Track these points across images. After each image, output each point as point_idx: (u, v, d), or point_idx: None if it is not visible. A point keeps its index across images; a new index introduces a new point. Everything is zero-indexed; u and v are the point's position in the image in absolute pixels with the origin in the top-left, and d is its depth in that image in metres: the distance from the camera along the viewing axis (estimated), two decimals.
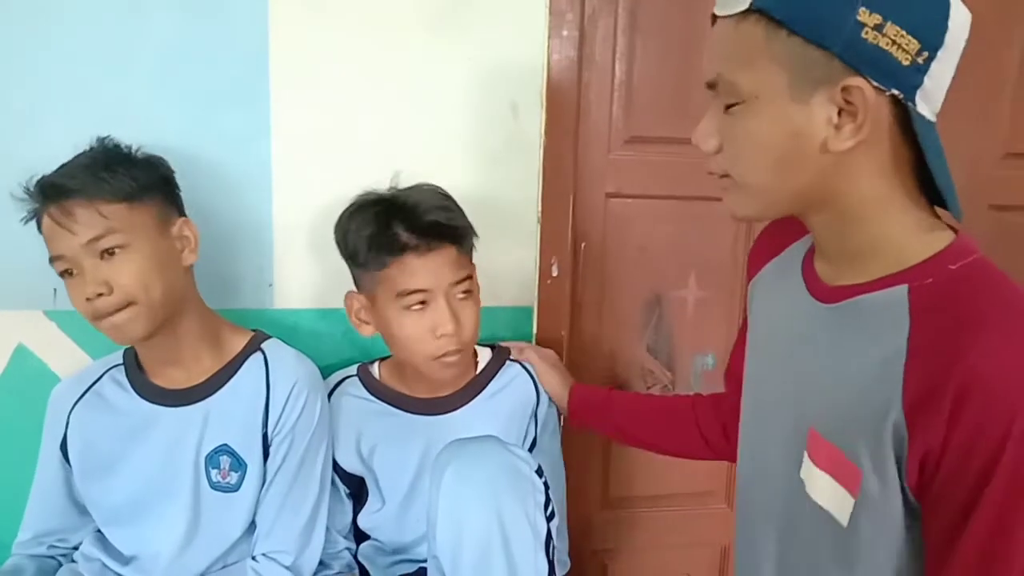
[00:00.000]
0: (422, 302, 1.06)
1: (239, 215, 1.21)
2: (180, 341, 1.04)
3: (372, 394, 1.17)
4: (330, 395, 1.17)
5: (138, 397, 1.06)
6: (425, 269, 1.05)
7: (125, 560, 1.08)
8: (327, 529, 1.15)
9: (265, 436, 1.06)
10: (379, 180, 1.14)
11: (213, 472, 1.05)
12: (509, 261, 1.33)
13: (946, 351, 0.60)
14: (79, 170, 0.98)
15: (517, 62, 1.25)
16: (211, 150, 1.18)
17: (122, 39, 1.13)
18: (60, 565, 1.11)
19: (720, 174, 0.72)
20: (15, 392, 1.17)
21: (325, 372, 1.21)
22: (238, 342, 1.10)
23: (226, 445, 1.05)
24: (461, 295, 1.09)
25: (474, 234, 1.13)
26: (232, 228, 1.21)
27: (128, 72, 1.14)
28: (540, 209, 1.32)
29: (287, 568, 1.07)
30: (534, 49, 1.26)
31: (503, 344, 1.27)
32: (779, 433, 0.77)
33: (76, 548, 1.12)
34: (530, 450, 1.17)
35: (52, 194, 0.96)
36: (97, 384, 1.09)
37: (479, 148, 1.27)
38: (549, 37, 1.26)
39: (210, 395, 1.06)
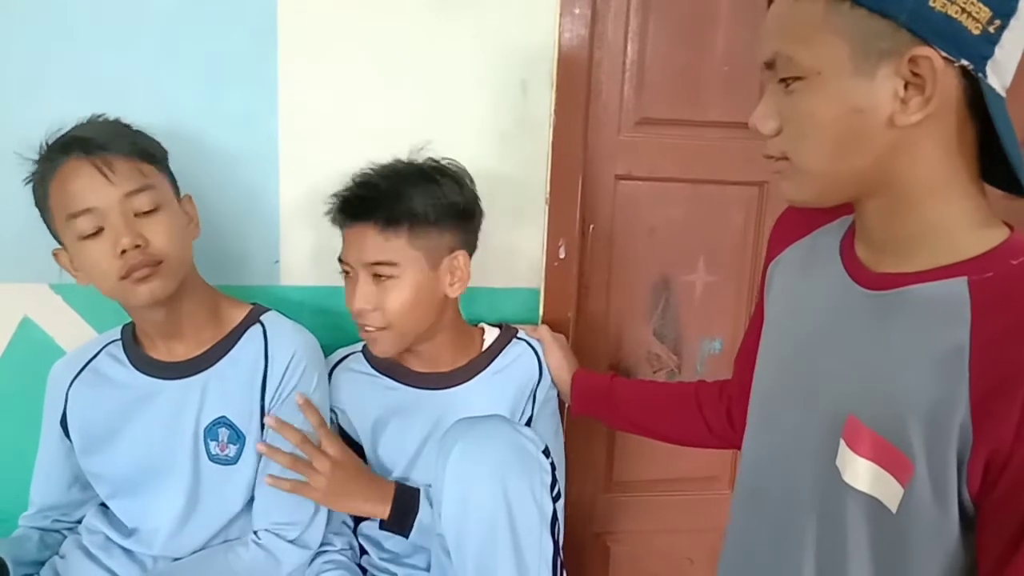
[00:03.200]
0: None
1: (246, 192, 1.21)
2: (182, 315, 1.03)
3: (375, 368, 1.17)
4: (333, 369, 1.17)
5: (136, 371, 1.06)
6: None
7: (128, 533, 1.09)
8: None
9: (263, 409, 1.06)
10: (386, 158, 1.13)
11: (212, 445, 1.05)
12: (516, 242, 1.32)
13: (1014, 350, 0.59)
14: (104, 129, 0.97)
15: (527, 39, 1.24)
16: (218, 127, 1.17)
17: (128, 13, 1.11)
18: (65, 538, 1.12)
19: (778, 156, 0.70)
20: (20, 365, 1.17)
21: (331, 349, 1.20)
22: (237, 315, 1.09)
23: (224, 417, 1.05)
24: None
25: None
26: (239, 205, 1.21)
27: (134, 47, 1.13)
28: (548, 190, 1.30)
29: (291, 542, 1.07)
30: (545, 26, 1.24)
31: (511, 324, 1.26)
32: (807, 418, 0.75)
33: (79, 522, 1.13)
34: None
35: (88, 146, 0.93)
36: (94, 360, 1.08)
37: (487, 127, 1.26)
38: (560, 15, 1.24)
39: (208, 367, 1.05)
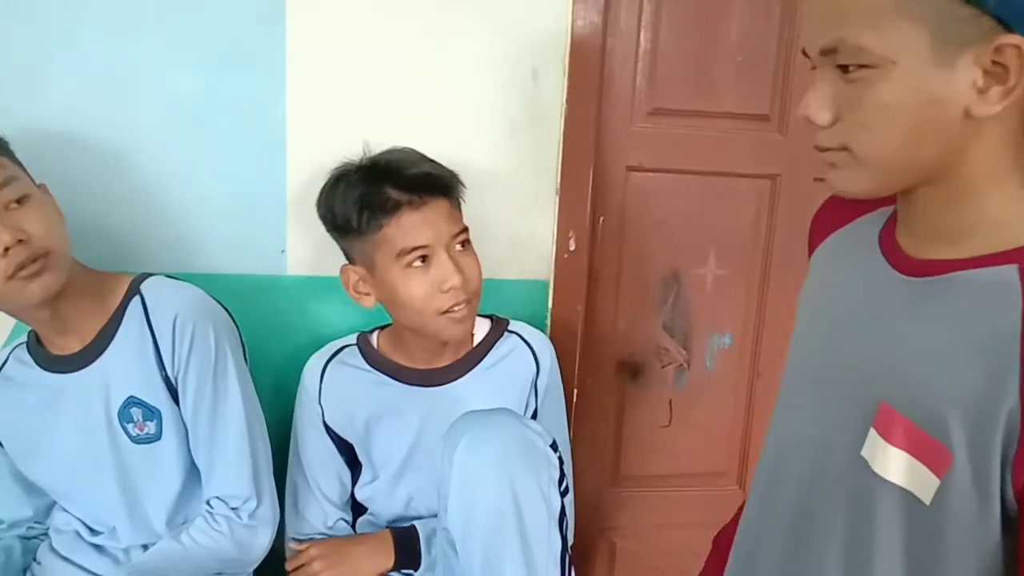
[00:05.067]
0: (423, 258, 1.04)
1: (252, 180, 1.19)
2: (67, 305, 0.99)
3: (370, 364, 1.15)
4: (328, 363, 1.16)
5: (41, 370, 1.04)
6: (423, 224, 1.03)
7: (93, 530, 1.08)
8: (324, 500, 1.15)
9: (167, 379, 1.03)
10: (395, 145, 1.12)
11: (129, 427, 1.03)
12: (526, 234, 1.30)
13: None
14: None
15: (539, 26, 1.22)
16: (224, 112, 1.16)
17: None
18: (41, 543, 1.12)
19: (836, 148, 0.67)
20: None
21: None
22: (119, 292, 1.05)
23: (133, 397, 1.02)
24: (460, 246, 1.07)
25: (462, 184, 1.10)
26: (245, 193, 1.19)
27: (139, 31, 1.11)
28: (559, 181, 1.28)
29: (234, 510, 1.05)
30: (557, 13, 1.22)
31: (500, 317, 1.24)
32: (837, 405, 0.73)
33: None
34: None
35: None
36: (5, 367, 1.06)
37: (498, 115, 1.24)
38: (573, 1, 1.22)
39: (102, 352, 1.02)
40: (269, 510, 1.07)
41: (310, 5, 1.15)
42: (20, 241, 0.89)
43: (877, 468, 0.67)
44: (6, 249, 0.89)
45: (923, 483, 0.64)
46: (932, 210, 0.68)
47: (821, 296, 0.82)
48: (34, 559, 1.09)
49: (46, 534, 1.12)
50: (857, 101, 0.64)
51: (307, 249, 1.23)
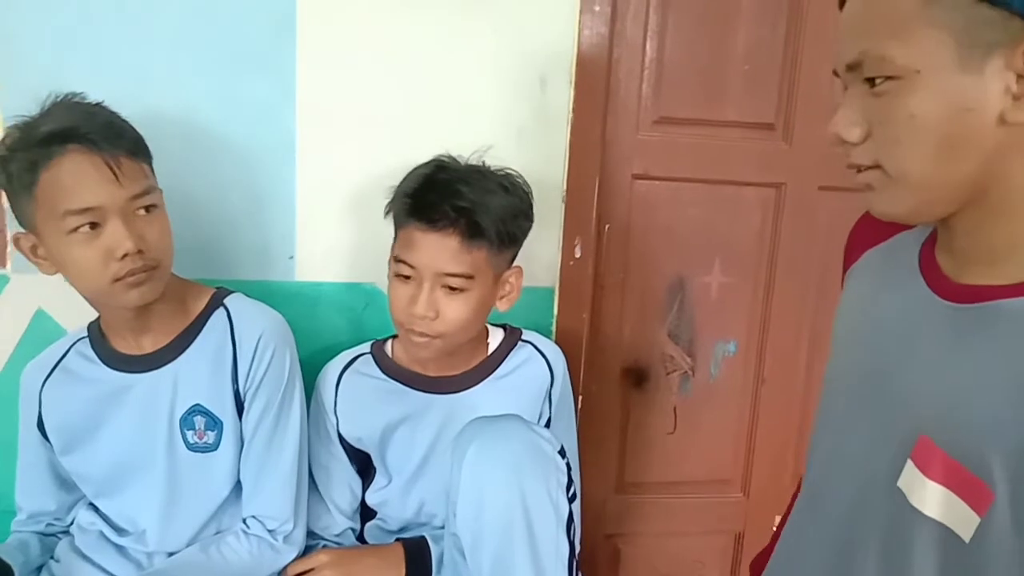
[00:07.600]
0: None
1: (261, 185, 1.20)
2: (153, 309, 1.00)
3: (385, 373, 1.15)
4: (343, 373, 1.16)
5: (105, 367, 1.04)
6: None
7: (120, 531, 1.08)
8: (334, 509, 1.15)
9: (237, 393, 1.04)
10: (403, 152, 1.12)
11: (189, 434, 1.04)
12: (531, 241, 1.29)
13: None
14: (100, 121, 0.92)
15: (547, 36, 1.23)
16: (234, 118, 1.17)
17: (147, 1, 1.11)
18: (60, 540, 1.11)
19: (868, 166, 0.64)
20: (35, 357, 1.17)
21: (346, 346, 1.19)
22: (201, 301, 1.07)
23: (199, 405, 1.03)
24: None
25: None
26: (254, 199, 1.20)
27: (151, 36, 1.12)
28: (565, 188, 1.29)
29: (270, 532, 1.06)
30: (565, 23, 1.23)
31: (515, 326, 1.24)
32: (877, 434, 0.70)
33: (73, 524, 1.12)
34: None
35: (95, 141, 0.89)
36: (64, 360, 1.07)
37: (505, 123, 1.25)
38: (580, 12, 1.23)
39: (176, 357, 1.04)
40: (301, 534, 1.09)
41: (321, 13, 1.16)
42: (140, 251, 0.92)
43: (914, 501, 0.65)
44: (125, 255, 0.91)
45: (962, 520, 0.61)
46: (971, 230, 0.64)
47: (860, 317, 0.78)
48: (52, 556, 1.09)
49: (65, 532, 1.12)
50: (885, 115, 0.61)
51: (316, 255, 1.23)
